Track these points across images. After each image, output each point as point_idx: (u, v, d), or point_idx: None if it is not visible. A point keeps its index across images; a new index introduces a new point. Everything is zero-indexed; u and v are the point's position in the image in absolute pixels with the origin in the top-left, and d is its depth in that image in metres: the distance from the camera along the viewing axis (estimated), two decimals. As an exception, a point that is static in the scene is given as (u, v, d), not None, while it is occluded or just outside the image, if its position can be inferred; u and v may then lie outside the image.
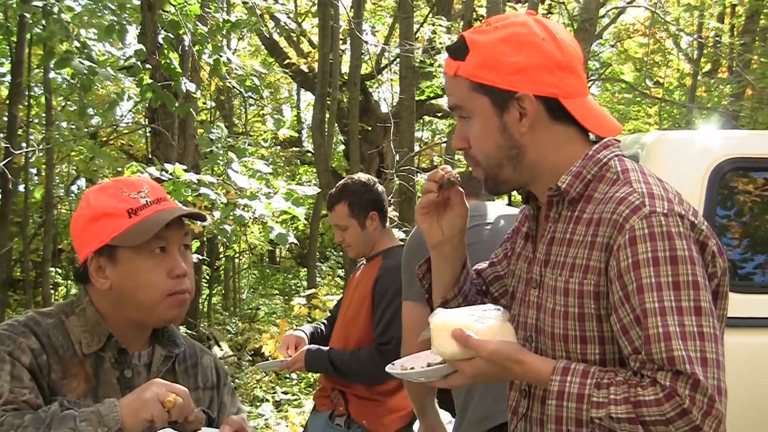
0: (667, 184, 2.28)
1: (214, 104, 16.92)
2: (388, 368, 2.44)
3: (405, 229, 11.49)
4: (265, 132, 22.74)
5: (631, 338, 2.11)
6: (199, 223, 6.38)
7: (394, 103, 18.01)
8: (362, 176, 5.23)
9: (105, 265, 2.55)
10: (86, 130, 15.24)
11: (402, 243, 5.11)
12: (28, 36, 12.33)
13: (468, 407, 3.70)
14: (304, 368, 5.08)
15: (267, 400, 11.54)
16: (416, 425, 5.36)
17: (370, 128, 18.07)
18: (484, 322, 2.24)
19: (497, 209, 4.12)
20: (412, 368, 2.39)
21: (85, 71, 7.73)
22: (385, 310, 4.77)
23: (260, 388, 12.28)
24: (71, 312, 2.60)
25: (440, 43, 14.62)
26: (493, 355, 2.17)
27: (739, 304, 4.47)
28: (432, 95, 16.40)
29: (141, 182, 2.66)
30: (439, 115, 21.40)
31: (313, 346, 5.02)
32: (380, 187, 5.16)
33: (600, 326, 2.21)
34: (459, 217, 2.55)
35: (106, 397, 2.43)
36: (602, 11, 17.38)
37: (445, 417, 5.44)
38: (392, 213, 11.84)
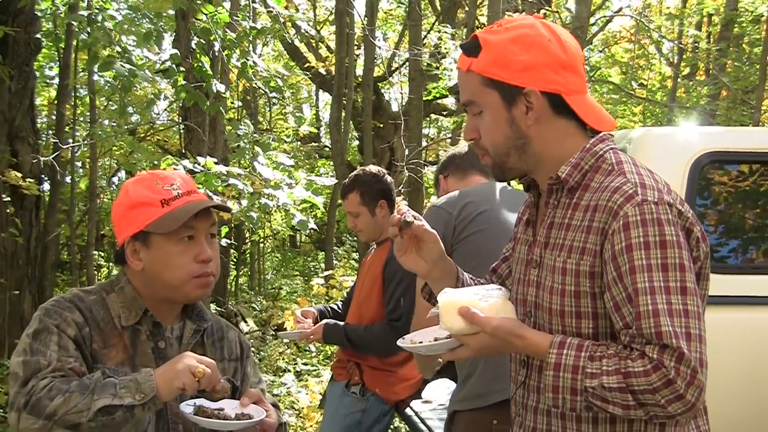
0: (657, 175, 2.30)
1: (241, 103, 16.89)
2: (399, 342, 2.46)
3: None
4: (287, 129, 22.76)
5: (623, 314, 2.13)
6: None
7: (404, 103, 18.02)
8: (373, 168, 5.27)
9: (139, 249, 2.60)
10: (126, 127, 15.27)
11: None
12: (74, 42, 12.31)
13: (468, 380, 3.67)
14: (321, 340, 5.10)
15: (289, 371, 11.55)
16: (424, 392, 5.38)
17: (382, 125, 18.12)
18: (488, 301, 2.26)
19: (504, 191, 4.04)
20: (421, 342, 2.41)
21: (126, 74, 7.73)
22: (395, 289, 4.79)
23: (283, 359, 12.28)
24: (111, 290, 2.65)
25: (445, 48, 14.59)
26: (497, 330, 2.19)
27: (715, 284, 4.50)
28: (438, 95, 16.34)
29: (174, 176, 2.70)
30: (445, 113, 21.50)
31: (331, 321, 5.06)
32: (389, 178, 5.19)
33: (594, 303, 2.23)
34: (432, 243, 2.55)
35: (142, 366, 2.50)
36: (592, 19, 17.34)
37: (446, 384, 5.47)
38: (402, 202, 11.87)
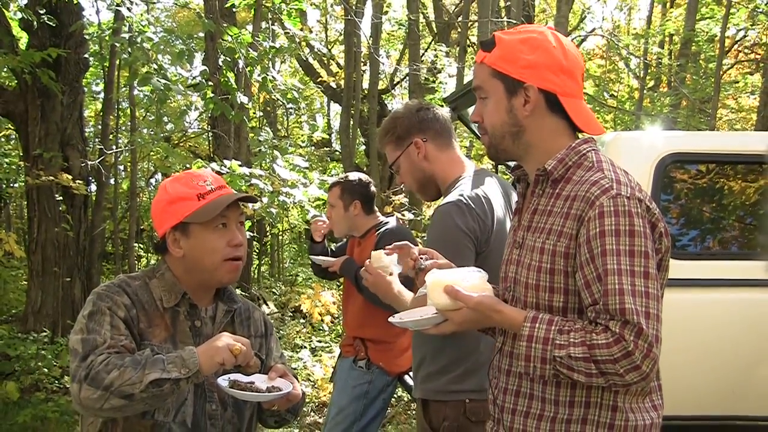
0: (630, 175, 2.33)
1: (261, 113, 16.90)
2: (390, 319, 2.50)
3: (414, 211, 11.50)
4: (302, 135, 22.72)
5: (592, 291, 2.16)
6: (251, 206, 6.39)
7: (405, 112, 17.96)
8: (362, 176, 5.31)
9: (179, 238, 2.61)
10: (162, 135, 15.26)
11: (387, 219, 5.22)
12: (117, 61, 12.32)
13: (441, 375, 3.38)
14: (338, 270, 5.11)
15: (305, 347, 11.54)
16: None
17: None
18: (469, 281, 2.29)
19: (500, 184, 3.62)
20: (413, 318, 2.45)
21: (162, 88, 7.76)
22: None
23: (299, 338, 12.27)
24: (153, 276, 2.67)
25: (441, 64, 14.59)
26: (478, 305, 2.23)
27: (677, 268, 4.50)
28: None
29: (206, 174, 2.73)
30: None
31: (350, 259, 5.09)
32: (372, 188, 5.20)
33: (566, 280, 2.26)
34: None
35: (182, 343, 2.54)
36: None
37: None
38: (404, 199, 11.85)
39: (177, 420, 2.52)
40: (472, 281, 2.29)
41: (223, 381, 2.42)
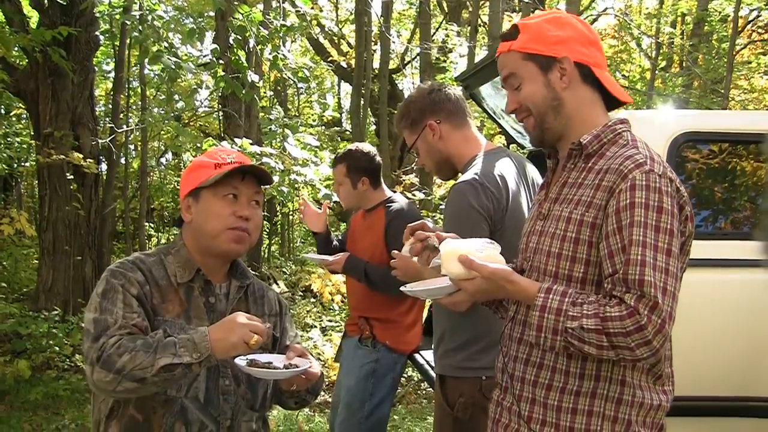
0: (661, 158, 2.34)
1: (272, 92, 16.89)
2: (402, 288, 2.50)
3: (425, 190, 11.48)
4: (312, 115, 22.72)
5: (614, 261, 2.17)
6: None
7: (415, 92, 17.93)
8: (365, 147, 5.22)
9: (191, 204, 2.66)
10: (172, 114, 15.28)
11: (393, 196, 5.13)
12: (128, 40, 12.34)
13: (460, 350, 3.44)
14: (341, 269, 5.00)
15: (315, 327, 11.59)
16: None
17: (396, 112, 18.03)
18: (483, 252, 2.29)
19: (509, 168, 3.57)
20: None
21: (172, 66, 7.75)
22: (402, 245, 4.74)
23: (309, 317, 12.32)
24: (168, 252, 2.70)
25: (452, 43, 14.55)
26: (492, 275, 2.23)
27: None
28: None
29: (233, 151, 2.76)
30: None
31: (354, 257, 4.98)
32: (378, 159, 5.14)
33: (589, 251, 2.26)
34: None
35: (196, 318, 2.56)
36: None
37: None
38: (414, 179, 11.84)
39: (189, 395, 2.53)
40: (486, 252, 2.29)
41: (241, 360, 2.42)
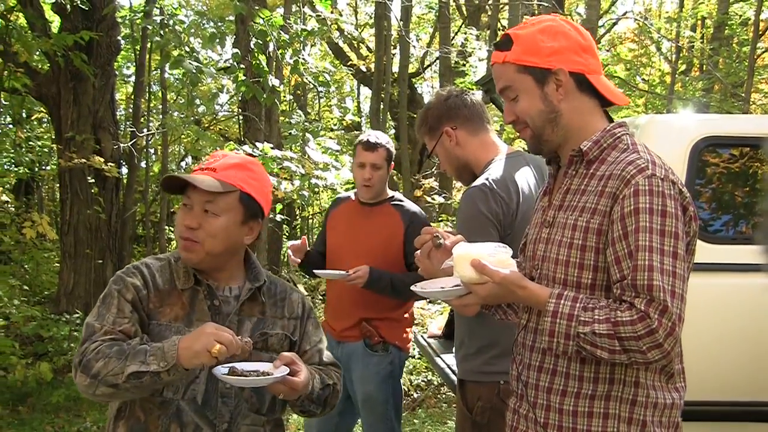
0: (663, 160, 2.34)
1: (292, 96, 16.92)
2: (413, 288, 2.49)
3: (444, 194, 11.49)
4: (332, 119, 22.75)
5: (621, 267, 2.19)
6: (282, 188, 6.27)
7: (435, 96, 17.93)
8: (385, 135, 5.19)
9: None
10: (193, 118, 15.35)
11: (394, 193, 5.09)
12: (149, 44, 12.40)
13: (477, 356, 3.48)
14: (365, 284, 4.67)
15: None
16: (429, 328, 5.40)
17: (415, 115, 18.03)
18: (495, 256, 2.29)
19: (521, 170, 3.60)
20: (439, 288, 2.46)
21: (193, 71, 7.80)
22: None
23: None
24: (178, 257, 2.71)
25: (471, 47, 14.55)
26: (503, 280, 2.23)
27: (710, 252, 4.47)
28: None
29: (220, 155, 2.74)
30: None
31: (376, 269, 4.70)
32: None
33: (596, 257, 2.28)
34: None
35: (199, 321, 2.57)
36: (600, 22, 17.22)
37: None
38: (434, 183, 11.85)
39: (186, 397, 2.56)
40: (498, 257, 2.30)
41: (222, 368, 2.42)
